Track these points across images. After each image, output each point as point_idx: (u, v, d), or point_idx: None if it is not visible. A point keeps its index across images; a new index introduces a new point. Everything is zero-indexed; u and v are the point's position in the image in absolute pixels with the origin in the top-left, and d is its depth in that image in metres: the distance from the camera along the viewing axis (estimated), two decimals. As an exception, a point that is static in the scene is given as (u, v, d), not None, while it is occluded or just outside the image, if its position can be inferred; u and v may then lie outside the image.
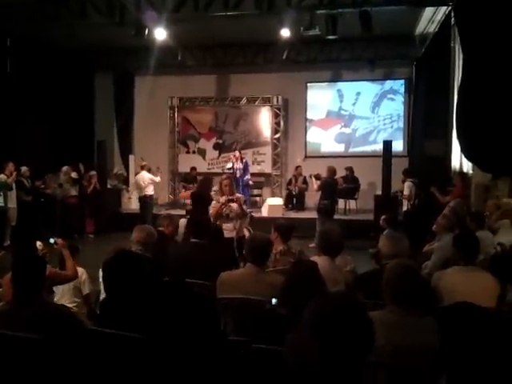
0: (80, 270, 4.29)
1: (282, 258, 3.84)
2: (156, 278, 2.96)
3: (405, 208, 9.30)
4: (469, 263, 3.19)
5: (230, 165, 11.33)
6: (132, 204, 12.17)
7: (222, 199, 5.78)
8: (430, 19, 9.82)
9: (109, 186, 11.77)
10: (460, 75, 7.07)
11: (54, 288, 4.03)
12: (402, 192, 9.43)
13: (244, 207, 6.01)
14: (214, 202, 5.94)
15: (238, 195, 6.06)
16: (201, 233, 3.60)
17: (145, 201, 10.23)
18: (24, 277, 2.38)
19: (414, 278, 2.32)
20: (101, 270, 3.32)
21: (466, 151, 6.07)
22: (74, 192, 10.29)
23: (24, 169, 9.30)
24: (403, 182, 9.35)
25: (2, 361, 2.30)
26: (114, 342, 2.59)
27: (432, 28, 10.05)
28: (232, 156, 11.58)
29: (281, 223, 4.04)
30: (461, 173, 8.20)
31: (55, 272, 3.78)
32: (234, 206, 5.73)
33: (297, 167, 12.34)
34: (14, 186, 8.91)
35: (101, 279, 3.23)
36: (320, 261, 3.16)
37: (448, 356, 1.73)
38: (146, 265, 2.94)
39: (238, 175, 11.16)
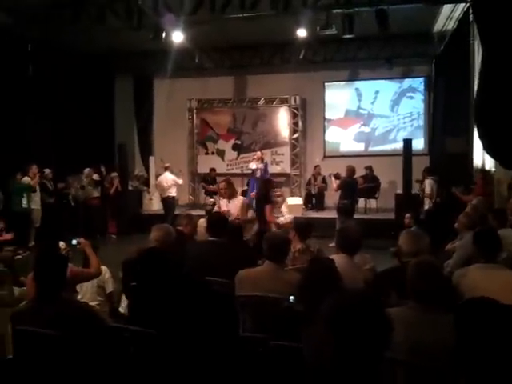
0: (103, 268, 4.35)
1: (300, 257, 3.85)
2: (174, 276, 2.99)
3: (426, 206, 9.19)
4: (490, 261, 3.14)
5: (254, 165, 11.29)
6: (153, 205, 12.31)
7: (222, 202, 5.58)
8: (448, 16, 9.69)
9: (130, 188, 11.93)
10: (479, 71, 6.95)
11: (77, 286, 4.11)
12: (423, 190, 9.31)
13: (249, 211, 5.77)
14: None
15: (240, 198, 5.83)
16: (218, 231, 3.63)
17: (168, 202, 10.35)
18: (45, 275, 2.44)
19: (434, 276, 2.30)
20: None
21: (488, 148, 5.96)
22: (96, 194, 10.47)
23: (47, 171, 9.51)
24: (422, 180, 9.23)
25: (26, 357, 2.36)
26: (135, 339, 2.64)
27: (450, 25, 9.91)
28: (256, 157, 11.55)
29: (298, 222, 4.04)
30: (482, 170, 8.07)
31: (78, 270, 3.85)
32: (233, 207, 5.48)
33: (315, 166, 12.31)
34: (37, 188, 9.12)
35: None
36: (338, 259, 3.15)
37: (465, 353, 1.71)
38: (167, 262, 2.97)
39: (258, 175, 11.18)
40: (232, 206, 5.52)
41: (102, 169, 10.90)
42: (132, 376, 2.64)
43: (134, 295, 3.01)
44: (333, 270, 2.42)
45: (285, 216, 7.42)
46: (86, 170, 10.33)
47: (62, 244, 4.45)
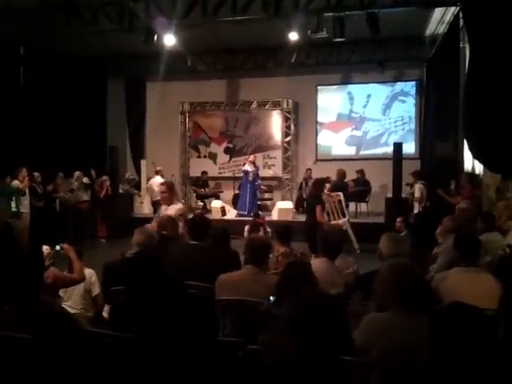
0: (90, 271, 4.33)
1: (283, 260, 3.83)
2: (155, 280, 2.97)
3: (416, 210, 9.20)
4: (470, 264, 3.14)
5: (248, 168, 11.29)
6: (144, 208, 12.27)
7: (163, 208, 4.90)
8: (439, 20, 9.75)
9: (121, 191, 11.88)
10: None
11: (62, 290, 4.08)
12: (412, 194, 9.34)
13: (180, 224, 4.60)
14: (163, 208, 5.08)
15: (176, 207, 4.90)
16: (199, 234, 3.61)
17: (158, 205, 10.31)
18: (19, 277, 2.41)
19: (407, 279, 2.29)
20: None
21: (474, 150, 5.99)
22: (85, 197, 10.42)
23: (36, 174, 9.45)
24: (412, 184, 9.26)
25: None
26: (111, 344, 2.62)
27: (441, 29, 9.97)
28: (250, 159, 11.57)
29: (277, 225, 4.03)
30: (468, 174, 8.10)
31: (61, 275, 3.82)
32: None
33: (307, 170, 12.32)
34: (27, 191, 9.06)
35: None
36: (318, 263, 3.15)
37: (438, 357, 1.70)
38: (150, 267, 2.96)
39: (251, 178, 11.21)
40: (168, 214, 4.76)
41: (92, 172, 10.86)
42: (111, 381, 2.61)
43: (115, 299, 2.99)
44: (307, 272, 2.42)
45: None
46: (76, 173, 10.29)
47: (46, 248, 4.42)
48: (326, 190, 9.35)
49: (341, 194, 9.13)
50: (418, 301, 2.29)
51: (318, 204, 7.00)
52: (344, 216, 8.93)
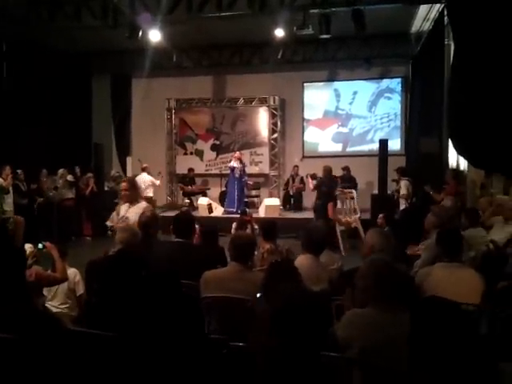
0: (74, 270, 4.28)
1: (269, 257, 3.83)
2: (138, 277, 2.95)
3: (402, 207, 9.26)
4: (453, 260, 3.17)
5: (234, 164, 11.27)
6: (130, 206, 12.16)
7: (123, 207, 4.65)
8: (424, 17, 9.81)
9: (106, 189, 11.77)
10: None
11: (47, 289, 4.04)
12: (398, 191, 9.40)
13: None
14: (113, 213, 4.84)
15: (143, 205, 4.61)
16: (184, 232, 3.59)
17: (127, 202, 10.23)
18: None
19: (388, 274, 2.30)
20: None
21: (458, 146, 6.03)
22: (70, 195, 10.31)
23: (20, 172, 9.32)
24: (397, 180, 9.32)
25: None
26: (95, 343, 2.59)
27: (427, 26, 10.04)
28: (236, 156, 11.55)
29: (262, 222, 4.03)
30: (453, 170, 8.18)
31: (44, 274, 3.77)
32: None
33: (294, 167, 12.34)
34: (10, 189, 8.94)
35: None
36: (303, 259, 3.16)
37: (417, 350, 1.72)
38: (126, 262, 2.93)
39: (237, 175, 11.19)
40: (132, 213, 4.48)
41: (77, 169, 10.74)
42: (93, 380, 2.59)
43: (97, 297, 2.96)
44: (292, 271, 2.42)
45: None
46: (60, 171, 10.16)
47: (29, 246, 4.36)
48: (310, 186, 9.40)
49: (353, 191, 9.13)
50: (400, 296, 2.30)
51: (330, 201, 6.86)
52: (356, 213, 8.95)
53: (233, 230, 7.50)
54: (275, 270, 2.42)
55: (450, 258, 3.18)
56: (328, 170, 9.33)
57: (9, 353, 2.19)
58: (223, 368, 2.59)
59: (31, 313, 2.38)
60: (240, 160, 11.42)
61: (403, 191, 9.12)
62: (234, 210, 10.69)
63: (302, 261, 3.15)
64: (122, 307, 2.52)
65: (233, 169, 11.20)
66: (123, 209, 4.70)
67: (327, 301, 2.70)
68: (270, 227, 3.97)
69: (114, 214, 4.79)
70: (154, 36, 9.35)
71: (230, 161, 11.68)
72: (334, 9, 8.43)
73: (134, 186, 4.89)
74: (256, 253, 3.75)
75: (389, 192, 9.98)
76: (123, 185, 4.75)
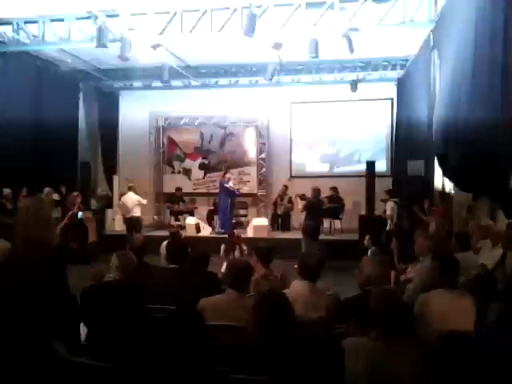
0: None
1: (263, 283, 3.81)
2: (138, 305, 2.91)
3: (388, 228, 9.35)
4: (452, 287, 3.18)
5: (231, 184, 11.29)
6: (116, 225, 12.04)
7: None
8: (411, 40, 10.02)
9: (92, 207, 11.64)
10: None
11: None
12: (384, 212, 9.50)
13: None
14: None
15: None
16: (178, 258, 3.55)
17: (132, 222, 10.15)
18: None
19: (395, 306, 2.31)
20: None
21: (444, 170, 6.14)
22: (56, 214, 10.13)
23: (6, 191, 9.17)
24: (385, 201, 9.43)
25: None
26: (93, 373, 2.54)
27: (413, 50, 10.25)
28: (232, 177, 11.60)
29: (259, 246, 4.00)
30: (441, 193, 8.28)
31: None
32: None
33: (283, 186, 12.35)
34: (-5, 208, 8.79)
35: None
36: (300, 285, 3.15)
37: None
38: (127, 293, 2.90)
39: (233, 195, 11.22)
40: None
41: (62, 188, 10.60)
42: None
43: (94, 327, 2.90)
44: (282, 306, 2.36)
45: None
46: (46, 190, 10.00)
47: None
48: (299, 207, 9.43)
49: None
50: (405, 327, 2.31)
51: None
52: None
53: (221, 252, 7.46)
54: (264, 303, 2.37)
55: (450, 285, 3.19)
56: (316, 191, 9.40)
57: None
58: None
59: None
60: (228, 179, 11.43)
61: (388, 211, 9.25)
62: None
63: (297, 287, 3.14)
64: (123, 338, 2.47)
65: (232, 191, 11.15)
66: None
67: (327, 330, 2.69)
68: (267, 252, 3.95)
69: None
70: (145, 55, 9.37)
71: (229, 180, 11.39)
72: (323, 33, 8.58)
73: None
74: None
75: (376, 213, 10.07)
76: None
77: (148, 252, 4.48)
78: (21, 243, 3.01)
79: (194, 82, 12.72)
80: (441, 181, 9.16)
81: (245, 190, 12.85)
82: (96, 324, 2.73)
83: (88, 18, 8.68)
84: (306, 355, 2.26)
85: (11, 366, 2.23)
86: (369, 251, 6.30)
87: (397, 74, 11.69)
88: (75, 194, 10.63)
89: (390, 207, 9.29)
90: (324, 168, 13.26)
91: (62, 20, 8.86)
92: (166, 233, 9.54)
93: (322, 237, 9.65)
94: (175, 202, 12.39)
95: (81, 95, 13.43)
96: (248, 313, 2.94)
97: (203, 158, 13.46)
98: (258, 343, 2.45)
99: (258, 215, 12.56)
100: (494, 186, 5.10)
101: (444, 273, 3.24)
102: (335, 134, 13.27)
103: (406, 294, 4.24)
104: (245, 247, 7.58)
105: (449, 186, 8.72)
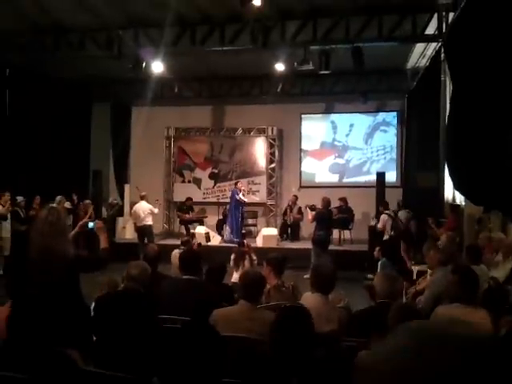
0: None
1: (275, 294, 3.83)
2: (152, 315, 2.95)
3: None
4: (470, 302, 3.14)
5: (242, 197, 11.40)
6: (127, 233, 12.13)
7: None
8: (421, 54, 10.09)
9: (104, 216, 11.74)
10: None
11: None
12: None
13: None
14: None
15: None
16: (191, 268, 3.59)
17: (144, 230, 10.22)
18: None
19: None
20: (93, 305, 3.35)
21: (457, 184, 6.14)
22: (68, 222, 10.24)
23: (20, 199, 9.31)
24: (381, 213, 9.40)
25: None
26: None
27: (423, 62, 10.31)
28: (244, 188, 11.70)
29: (272, 257, 4.00)
30: (452, 205, 8.25)
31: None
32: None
33: (293, 196, 12.36)
34: (8, 215, 8.91)
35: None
36: (313, 298, 3.17)
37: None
38: (141, 302, 2.95)
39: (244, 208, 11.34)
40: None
41: (74, 197, 10.72)
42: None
43: (106, 335, 2.95)
44: (304, 320, 2.34)
45: None
46: (58, 198, 10.11)
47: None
48: (309, 217, 9.43)
49: None
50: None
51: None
52: None
53: (231, 262, 7.48)
54: (285, 315, 2.37)
55: (468, 300, 3.14)
56: (326, 202, 9.41)
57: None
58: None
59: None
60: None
61: (379, 225, 9.23)
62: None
63: (310, 300, 3.16)
64: (136, 347, 2.51)
65: (243, 202, 11.23)
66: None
67: (338, 342, 2.70)
68: (280, 262, 3.96)
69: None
70: (157, 67, 9.52)
71: (239, 191, 11.40)
72: (333, 46, 8.67)
73: None
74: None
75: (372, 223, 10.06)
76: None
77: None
78: (37, 252, 3.06)
79: (205, 93, 12.86)
80: (451, 193, 9.15)
81: (254, 199, 12.89)
82: (109, 332, 2.77)
83: (102, 29, 8.85)
84: (325, 372, 2.27)
85: (27, 376, 2.27)
86: (379, 262, 6.32)
87: (408, 85, 11.70)
88: (88, 202, 10.76)
89: (382, 220, 9.26)
90: (334, 178, 13.28)
91: (75, 30, 9.01)
92: (176, 241, 9.62)
93: (331, 247, 9.63)
94: (185, 211, 12.46)
95: (94, 105, 13.65)
96: (260, 324, 2.98)
97: (213, 168, 13.54)
98: (274, 357, 2.46)
99: (268, 225, 12.58)
100: (505, 200, 5.11)
101: (463, 287, 3.21)
102: (345, 145, 13.29)
103: (416, 306, 4.24)
104: (254, 257, 7.59)
105: (459, 198, 8.70)
